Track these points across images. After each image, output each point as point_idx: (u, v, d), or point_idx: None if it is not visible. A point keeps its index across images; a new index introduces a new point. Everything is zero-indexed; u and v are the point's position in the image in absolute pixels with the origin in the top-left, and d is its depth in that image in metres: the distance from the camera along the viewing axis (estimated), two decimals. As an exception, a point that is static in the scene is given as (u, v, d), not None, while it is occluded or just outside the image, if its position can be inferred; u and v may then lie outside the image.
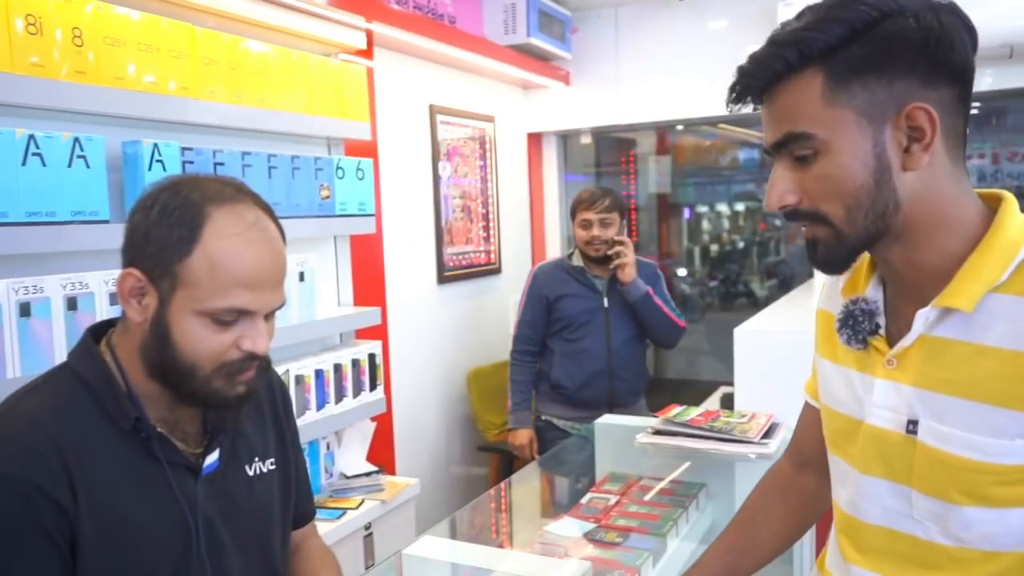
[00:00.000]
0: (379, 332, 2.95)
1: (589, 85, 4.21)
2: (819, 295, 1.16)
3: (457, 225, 3.69)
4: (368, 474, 2.78)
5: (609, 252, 3.02)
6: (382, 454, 3.01)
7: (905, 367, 0.95)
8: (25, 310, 1.69)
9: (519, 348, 3.17)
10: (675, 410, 2.29)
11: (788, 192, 0.93)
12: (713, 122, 4.69)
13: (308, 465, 1.76)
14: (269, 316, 1.08)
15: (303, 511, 1.34)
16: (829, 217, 0.92)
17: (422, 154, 3.45)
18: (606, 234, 3.02)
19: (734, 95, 0.95)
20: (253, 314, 1.05)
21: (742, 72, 0.93)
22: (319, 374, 2.52)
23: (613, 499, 1.93)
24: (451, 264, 3.63)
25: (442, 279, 3.54)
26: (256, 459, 1.20)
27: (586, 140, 4.57)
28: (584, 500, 1.93)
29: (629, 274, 3.00)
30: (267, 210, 1.09)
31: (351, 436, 2.82)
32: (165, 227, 1.01)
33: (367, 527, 2.57)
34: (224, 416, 1.10)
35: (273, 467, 1.23)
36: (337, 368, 2.60)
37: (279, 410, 1.29)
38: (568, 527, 1.78)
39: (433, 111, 3.47)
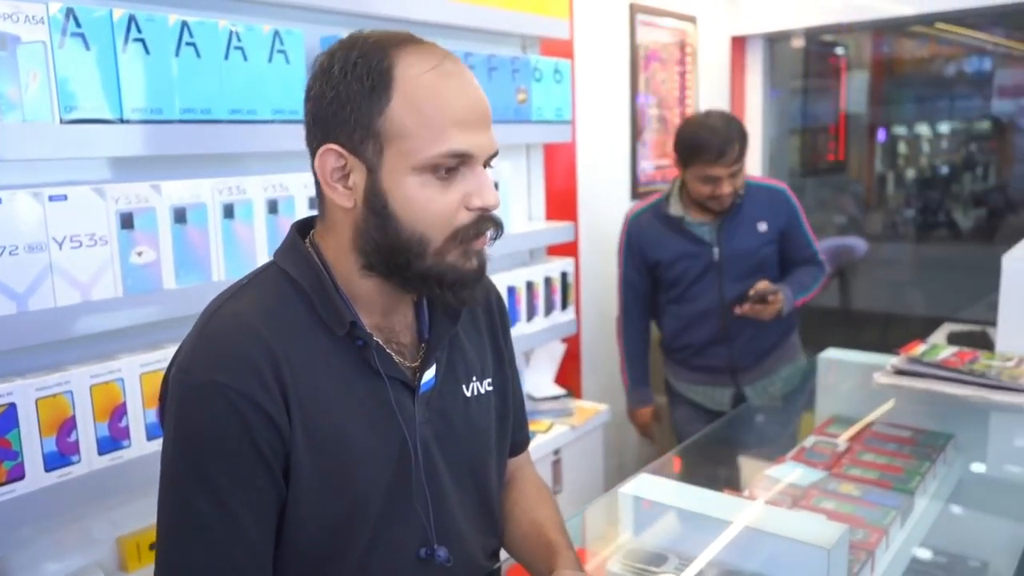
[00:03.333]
0: (570, 249, 2.78)
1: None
2: None
3: (652, 137, 3.41)
4: (557, 397, 2.67)
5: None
6: (570, 377, 2.89)
7: None
8: (229, 212, 1.66)
9: (627, 313, 2.64)
10: (921, 348, 1.97)
11: None
12: (943, 19, 4.02)
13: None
14: (485, 166, 0.96)
15: (519, 438, 1.21)
16: None
17: (619, 58, 3.17)
18: (736, 184, 2.37)
19: None
20: (472, 160, 0.92)
21: None
22: (511, 291, 2.40)
23: (842, 445, 1.71)
24: (644, 179, 3.37)
25: (636, 194, 3.30)
26: (474, 378, 1.07)
27: (798, 43, 4.09)
28: (808, 443, 1.74)
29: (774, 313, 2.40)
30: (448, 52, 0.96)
31: (539, 357, 2.71)
32: (353, 82, 0.90)
33: (555, 452, 2.47)
34: (462, 295, 0.96)
35: (491, 388, 1.10)
36: (530, 286, 2.46)
37: (496, 324, 1.15)
38: (792, 472, 1.60)
39: (633, 10, 3.17)
